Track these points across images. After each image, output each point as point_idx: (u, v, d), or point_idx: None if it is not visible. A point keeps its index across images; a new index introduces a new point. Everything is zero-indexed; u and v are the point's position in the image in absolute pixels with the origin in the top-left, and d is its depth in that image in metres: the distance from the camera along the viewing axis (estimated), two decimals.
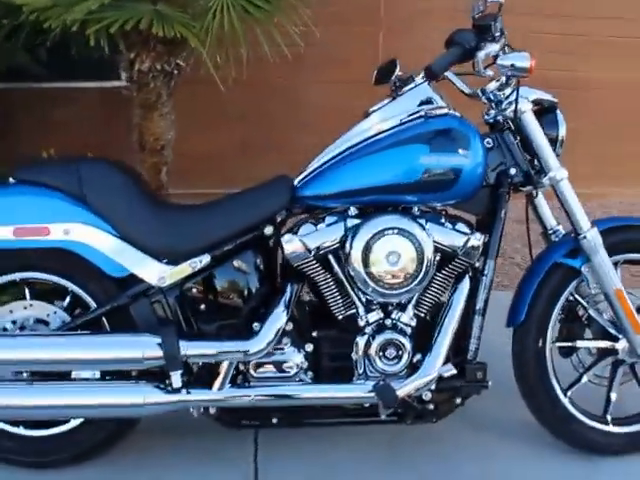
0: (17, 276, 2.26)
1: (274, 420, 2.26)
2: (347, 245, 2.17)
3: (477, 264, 2.26)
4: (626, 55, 4.61)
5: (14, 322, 2.27)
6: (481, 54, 2.19)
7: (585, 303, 2.38)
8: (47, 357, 2.14)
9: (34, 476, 2.33)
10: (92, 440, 2.32)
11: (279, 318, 2.18)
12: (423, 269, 2.16)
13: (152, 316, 2.24)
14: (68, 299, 2.29)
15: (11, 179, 2.26)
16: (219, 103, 4.07)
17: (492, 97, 2.29)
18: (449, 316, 2.24)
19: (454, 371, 2.18)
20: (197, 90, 3.78)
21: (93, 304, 2.26)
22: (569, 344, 2.39)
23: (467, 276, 2.27)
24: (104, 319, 2.26)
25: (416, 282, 2.17)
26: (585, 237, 2.26)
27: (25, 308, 2.29)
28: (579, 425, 2.38)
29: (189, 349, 2.13)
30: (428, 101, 2.26)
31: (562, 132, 2.28)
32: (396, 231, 2.15)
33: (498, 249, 2.28)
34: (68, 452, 2.33)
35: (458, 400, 2.29)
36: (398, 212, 2.20)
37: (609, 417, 2.41)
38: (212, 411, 2.23)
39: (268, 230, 2.25)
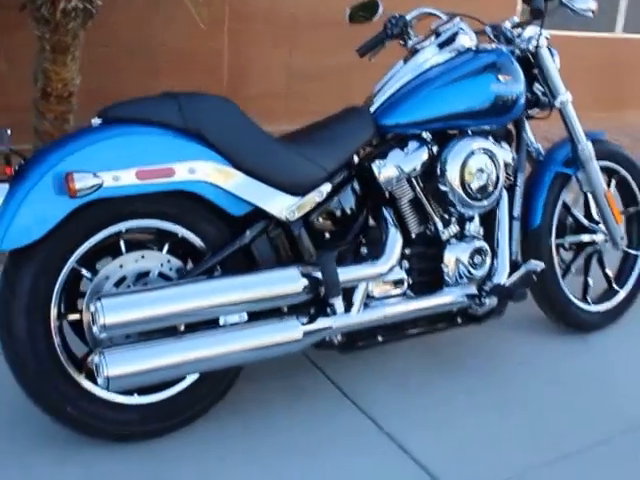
0: (124, 225, 2.06)
1: (379, 338, 2.40)
2: (442, 165, 2.40)
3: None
4: None
5: (124, 278, 2.09)
6: None
7: (570, 205, 2.91)
8: (202, 304, 2.02)
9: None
10: (209, 396, 2.24)
11: (396, 239, 2.34)
12: (500, 183, 2.49)
13: (272, 252, 2.22)
14: (167, 246, 2.16)
15: (96, 119, 2.06)
16: None
17: (507, 34, 2.66)
18: (501, 223, 2.60)
19: (542, 265, 2.54)
20: None
21: (204, 249, 2.16)
22: (561, 240, 2.89)
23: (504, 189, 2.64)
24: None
25: (495, 194, 2.49)
26: (583, 149, 2.78)
27: (137, 261, 2.11)
28: (574, 307, 2.91)
29: (342, 275, 2.18)
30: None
31: (557, 62, 2.75)
32: (482, 151, 2.44)
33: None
34: (187, 412, 2.22)
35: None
36: (477, 135, 2.47)
37: (589, 298, 2.99)
38: (338, 339, 2.30)
39: (356, 159, 2.37)
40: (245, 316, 2.13)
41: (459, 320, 2.54)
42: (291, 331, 2.14)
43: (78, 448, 2.13)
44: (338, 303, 2.20)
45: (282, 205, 2.18)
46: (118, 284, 2.09)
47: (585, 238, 2.93)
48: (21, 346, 1.97)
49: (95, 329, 1.92)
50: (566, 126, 2.79)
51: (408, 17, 2.66)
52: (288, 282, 2.12)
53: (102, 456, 2.11)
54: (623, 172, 2.97)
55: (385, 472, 2.13)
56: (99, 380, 1.95)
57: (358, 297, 2.28)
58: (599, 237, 2.93)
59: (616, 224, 2.89)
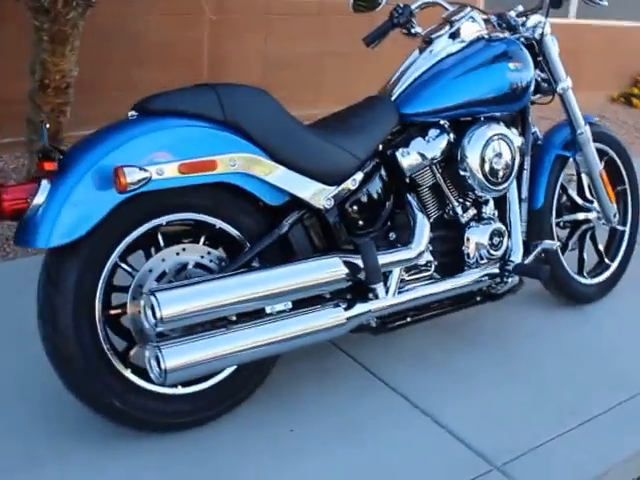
0: (165, 218, 2.08)
1: (408, 319, 2.48)
2: (462, 151, 2.49)
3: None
4: None
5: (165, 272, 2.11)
6: None
7: (566, 186, 3.04)
8: (254, 294, 2.06)
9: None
10: (250, 383, 2.28)
11: (424, 224, 2.42)
12: (516, 167, 2.60)
13: (308, 241, 2.27)
14: (203, 238, 2.19)
15: (132, 112, 2.06)
16: None
17: (512, 22, 2.76)
18: (512, 205, 2.71)
19: (559, 244, 2.66)
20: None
21: (241, 239, 2.19)
22: (559, 219, 3.02)
23: None
24: None
25: (511, 178, 2.59)
26: (582, 132, 2.91)
27: (178, 254, 2.13)
28: (573, 281, 3.05)
29: (380, 260, 2.25)
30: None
31: (557, 48, 2.86)
32: (500, 137, 2.54)
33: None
34: (229, 400, 2.26)
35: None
36: (491, 121, 2.57)
37: (585, 273, 3.14)
38: (373, 322, 2.37)
39: (379, 147, 2.44)
40: (290, 304, 2.18)
41: (478, 298, 2.64)
42: (334, 316, 2.20)
43: (119, 441, 2.15)
44: (379, 287, 2.27)
45: (319, 194, 2.22)
46: (160, 278, 2.11)
47: (580, 216, 3.07)
48: (67, 342, 1.98)
49: (149, 323, 1.94)
50: (566, 111, 2.91)
51: (413, 6, 2.72)
52: (331, 269, 2.18)
53: (146, 447, 2.14)
54: (611, 153, 3.12)
55: (423, 444, 2.24)
56: (153, 374, 1.97)
57: (394, 281, 2.35)
58: (593, 215, 3.07)
59: (610, 203, 3.03)
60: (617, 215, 3.11)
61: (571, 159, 2.97)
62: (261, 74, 4.95)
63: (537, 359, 2.73)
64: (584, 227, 3.12)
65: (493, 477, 2.15)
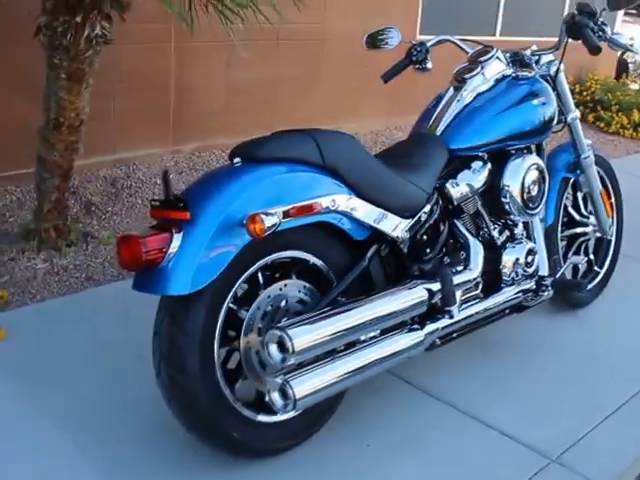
0: (270, 258, 2.23)
1: (454, 335, 2.68)
2: (503, 181, 2.76)
3: None
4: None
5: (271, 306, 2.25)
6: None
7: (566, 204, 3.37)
8: (362, 323, 2.25)
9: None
10: (330, 409, 2.45)
11: (478, 247, 2.67)
12: (545, 191, 2.89)
13: (383, 271, 2.47)
14: (295, 272, 2.33)
15: (237, 159, 2.18)
16: None
17: (527, 61, 3.04)
18: (536, 226, 3.01)
19: (585, 259, 2.96)
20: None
21: (327, 272, 2.36)
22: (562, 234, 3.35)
23: None
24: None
25: (543, 201, 2.89)
26: (587, 157, 3.25)
27: (281, 289, 2.28)
28: (577, 286, 3.37)
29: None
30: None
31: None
32: (535, 166, 2.83)
33: None
34: (318, 423, 2.42)
35: None
36: (524, 152, 2.86)
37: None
38: (438, 342, 2.58)
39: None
40: (379, 331, 2.38)
41: (507, 311, 2.90)
42: (414, 336, 2.43)
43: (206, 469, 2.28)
44: (454, 309, 2.50)
45: (398, 227, 2.43)
46: (264, 315, 2.24)
47: (579, 230, 3.41)
48: (194, 382, 2.08)
49: (281, 356, 2.08)
50: (572, 138, 3.24)
51: (428, 44, 2.98)
52: (417, 296, 2.41)
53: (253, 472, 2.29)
54: (601, 172, 3.47)
55: (480, 446, 2.49)
56: (278, 404, 2.11)
57: (458, 301, 2.57)
58: (589, 228, 3.42)
59: (607, 217, 3.39)
60: (612, 227, 3.46)
61: (572, 180, 3.30)
62: (224, 101, 5.07)
63: (549, 362, 3.05)
64: (581, 239, 3.45)
65: (553, 469, 2.42)
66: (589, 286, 3.48)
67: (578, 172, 3.28)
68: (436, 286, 2.46)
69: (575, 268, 3.49)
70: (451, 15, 6.56)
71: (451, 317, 2.51)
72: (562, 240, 3.40)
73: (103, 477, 2.21)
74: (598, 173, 3.43)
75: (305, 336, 2.10)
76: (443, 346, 2.69)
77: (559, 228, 3.24)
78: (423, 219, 2.53)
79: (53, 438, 2.35)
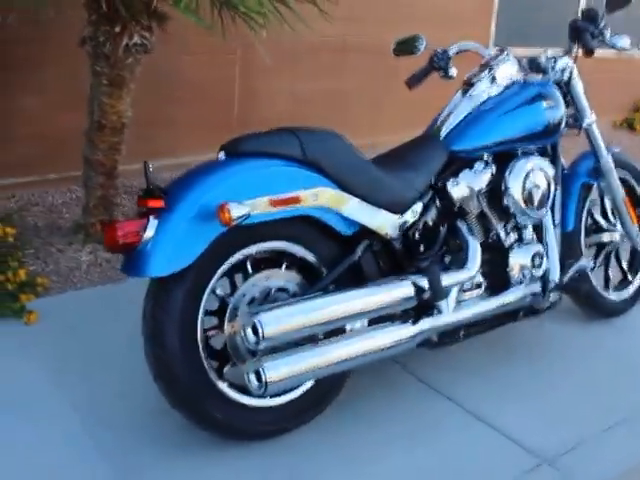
0: (256, 248, 2.34)
1: (460, 334, 2.73)
2: (505, 182, 2.77)
3: None
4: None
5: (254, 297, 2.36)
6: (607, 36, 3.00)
7: (592, 210, 3.33)
8: (340, 313, 2.32)
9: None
10: (328, 396, 2.53)
11: (476, 247, 2.69)
12: (551, 194, 2.88)
13: (376, 266, 2.53)
14: (285, 264, 2.44)
15: (222, 153, 2.32)
16: None
17: (543, 65, 3.05)
18: (548, 229, 2.99)
19: (592, 264, 2.94)
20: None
21: (317, 265, 2.45)
22: (586, 240, 3.31)
23: None
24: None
25: (548, 204, 2.88)
26: (606, 162, 3.21)
27: (267, 279, 2.38)
28: (600, 297, 3.33)
29: (443, 281, 2.52)
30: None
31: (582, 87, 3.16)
32: (538, 168, 2.83)
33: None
34: (312, 411, 2.51)
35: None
36: (529, 155, 2.86)
37: (610, 289, 3.42)
38: (434, 337, 2.62)
39: (432, 179, 2.71)
40: (366, 322, 2.44)
41: (521, 314, 2.91)
42: (404, 332, 2.47)
43: (220, 449, 2.40)
44: (444, 304, 2.54)
45: (386, 223, 2.50)
46: (250, 302, 2.36)
47: (605, 237, 3.36)
48: (175, 361, 2.22)
49: (254, 340, 2.18)
50: (590, 143, 3.21)
51: (450, 52, 3.02)
52: (404, 290, 2.45)
53: (242, 454, 2.39)
54: (631, 179, 3.42)
55: (477, 444, 2.52)
56: (253, 386, 2.21)
57: (452, 299, 2.62)
58: (616, 236, 3.36)
59: (632, 224, 3.33)
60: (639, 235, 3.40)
61: (595, 186, 3.26)
62: (289, 110, 5.24)
63: (574, 369, 3.02)
64: (609, 247, 3.40)
65: (543, 470, 2.43)
66: (620, 295, 3.43)
67: (599, 178, 3.24)
68: (425, 281, 2.49)
69: (606, 276, 3.43)
70: (527, 26, 6.49)
71: (440, 312, 2.54)
72: (590, 247, 3.37)
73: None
74: (625, 180, 3.37)
75: (277, 322, 2.20)
76: (451, 345, 2.76)
77: (581, 234, 3.20)
78: (414, 217, 2.57)
79: (68, 423, 2.48)
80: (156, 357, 2.24)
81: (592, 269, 3.31)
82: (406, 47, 3.08)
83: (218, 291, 2.34)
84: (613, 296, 3.41)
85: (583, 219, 3.24)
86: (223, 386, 2.34)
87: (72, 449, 2.36)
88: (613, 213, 3.38)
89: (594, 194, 3.32)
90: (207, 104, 4.83)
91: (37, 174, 4.32)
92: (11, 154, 4.17)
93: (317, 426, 2.51)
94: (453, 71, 2.99)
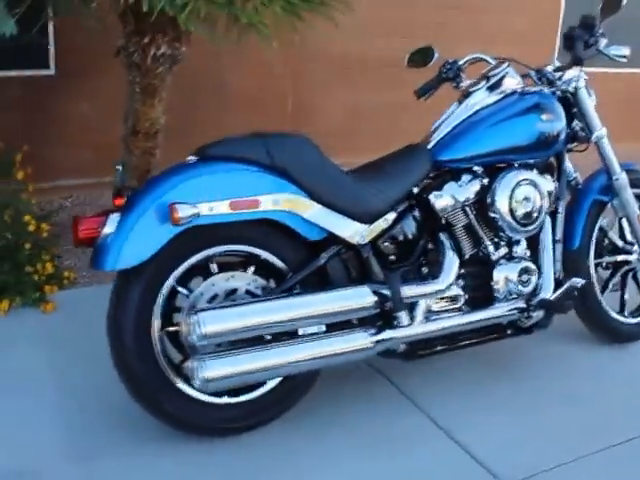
0: (217, 249, 2.40)
1: (438, 347, 2.70)
2: (492, 195, 2.71)
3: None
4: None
5: (216, 295, 2.43)
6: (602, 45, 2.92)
7: (606, 229, 3.20)
8: (285, 317, 2.36)
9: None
10: (294, 394, 2.57)
11: (453, 260, 2.65)
12: (543, 210, 2.80)
13: (344, 272, 2.55)
14: (252, 267, 2.49)
15: (192, 156, 2.40)
16: None
17: (550, 77, 2.97)
18: (545, 246, 2.89)
19: (583, 281, 2.84)
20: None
21: (285, 269, 2.49)
22: (599, 260, 3.18)
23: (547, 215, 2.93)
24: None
25: (539, 220, 2.79)
26: (618, 179, 3.07)
27: (227, 280, 2.45)
28: (612, 320, 3.19)
29: (406, 291, 2.51)
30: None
31: (594, 99, 3.05)
32: (528, 182, 2.75)
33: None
34: (275, 410, 2.55)
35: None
36: (522, 168, 2.78)
37: (626, 312, 3.27)
38: (402, 347, 2.61)
39: (415, 190, 2.70)
40: (323, 327, 2.47)
41: (509, 331, 2.84)
42: (361, 341, 2.47)
43: (172, 442, 2.48)
44: (403, 316, 2.52)
45: (353, 231, 2.50)
46: (211, 300, 2.43)
47: (620, 258, 3.22)
48: (131, 356, 2.33)
49: (194, 338, 2.26)
50: (602, 158, 3.08)
51: (460, 62, 3.00)
52: (360, 298, 2.46)
53: (194, 449, 2.46)
54: None
55: (441, 461, 2.49)
56: (196, 382, 2.29)
57: (419, 311, 2.59)
58: (633, 257, 3.21)
59: None
60: None
61: (609, 204, 3.13)
62: (341, 123, 5.30)
63: (565, 390, 2.93)
64: (625, 268, 3.25)
65: None
66: (637, 319, 3.27)
67: (612, 195, 3.11)
68: (387, 291, 2.49)
69: (622, 299, 3.28)
70: None
71: (399, 323, 2.52)
72: (607, 267, 3.24)
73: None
74: None
75: (217, 320, 2.27)
76: (428, 357, 2.73)
77: (590, 253, 3.09)
78: (385, 226, 2.57)
79: (70, 411, 2.63)
80: (116, 352, 2.36)
81: (603, 290, 3.18)
82: (419, 58, 3.08)
83: (181, 290, 2.43)
84: (628, 320, 3.25)
85: (593, 237, 3.11)
86: (179, 382, 2.42)
87: (45, 429, 2.52)
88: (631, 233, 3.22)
89: (609, 212, 3.19)
90: (259, 115, 4.96)
91: (93, 177, 4.58)
92: (71, 158, 4.46)
93: (279, 426, 2.56)
94: (465, 82, 2.97)
